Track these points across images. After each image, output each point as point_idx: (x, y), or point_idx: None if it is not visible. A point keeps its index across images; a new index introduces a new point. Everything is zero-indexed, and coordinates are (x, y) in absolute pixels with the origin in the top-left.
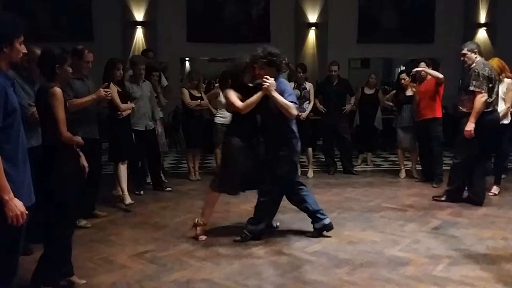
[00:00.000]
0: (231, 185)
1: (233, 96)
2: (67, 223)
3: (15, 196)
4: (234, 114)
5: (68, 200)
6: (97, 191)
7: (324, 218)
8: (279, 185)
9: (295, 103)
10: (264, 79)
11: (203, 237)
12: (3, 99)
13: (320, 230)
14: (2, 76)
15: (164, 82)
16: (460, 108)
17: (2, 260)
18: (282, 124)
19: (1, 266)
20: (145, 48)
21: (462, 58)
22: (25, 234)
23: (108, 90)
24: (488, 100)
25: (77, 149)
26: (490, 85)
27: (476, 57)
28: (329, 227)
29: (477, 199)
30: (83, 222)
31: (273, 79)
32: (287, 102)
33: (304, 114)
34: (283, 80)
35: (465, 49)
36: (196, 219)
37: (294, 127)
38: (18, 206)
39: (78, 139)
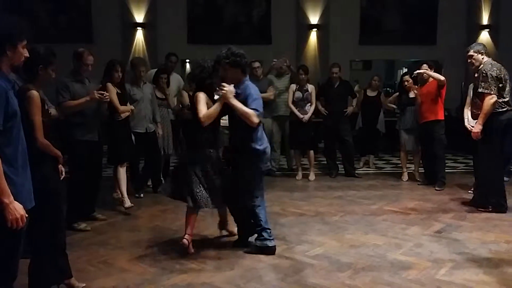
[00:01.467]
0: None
1: (202, 103)
2: (51, 227)
3: (15, 199)
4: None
5: (48, 204)
6: (97, 193)
7: (269, 240)
8: (250, 188)
9: (256, 110)
10: (221, 86)
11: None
12: (4, 103)
13: (260, 249)
14: (3, 79)
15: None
16: (475, 111)
17: (2, 263)
18: (245, 130)
19: (1, 269)
20: (146, 49)
21: (468, 60)
22: (25, 237)
23: (104, 92)
24: (499, 100)
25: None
26: (500, 85)
27: (483, 58)
28: (270, 251)
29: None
30: (82, 225)
31: (232, 85)
32: (247, 110)
33: (306, 117)
34: (250, 83)
35: (471, 50)
36: (185, 241)
37: (260, 132)
38: (18, 209)
39: (56, 152)
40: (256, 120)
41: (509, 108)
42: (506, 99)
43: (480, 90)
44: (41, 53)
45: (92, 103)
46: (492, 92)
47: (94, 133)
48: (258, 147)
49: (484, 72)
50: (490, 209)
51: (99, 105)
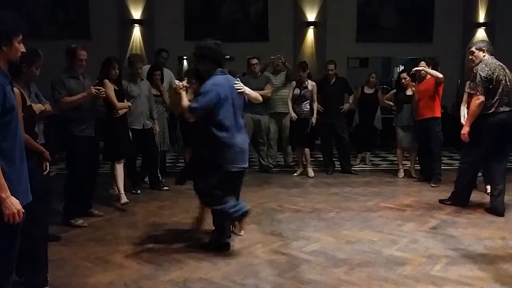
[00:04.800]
0: None
1: None
2: (34, 222)
3: (12, 194)
4: None
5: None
6: (94, 189)
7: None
8: None
9: (192, 108)
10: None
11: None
12: (2, 97)
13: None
14: (1, 74)
15: (174, 82)
16: (467, 109)
17: None
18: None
19: None
20: (143, 46)
21: (470, 57)
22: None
23: (101, 88)
24: (489, 102)
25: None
26: (490, 86)
27: (484, 56)
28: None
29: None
30: (79, 221)
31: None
32: (184, 104)
33: (313, 119)
34: (217, 76)
35: (474, 47)
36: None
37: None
38: (14, 204)
39: (38, 146)
40: (187, 115)
41: (502, 110)
42: (494, 101)
43: (466, 89)
44: (24, 51)
45: (88, 99)
46: (478, 93)
47: (91, 129)
48: None
49: (475, 71)
50: (450, 203)
51: (94, 101)
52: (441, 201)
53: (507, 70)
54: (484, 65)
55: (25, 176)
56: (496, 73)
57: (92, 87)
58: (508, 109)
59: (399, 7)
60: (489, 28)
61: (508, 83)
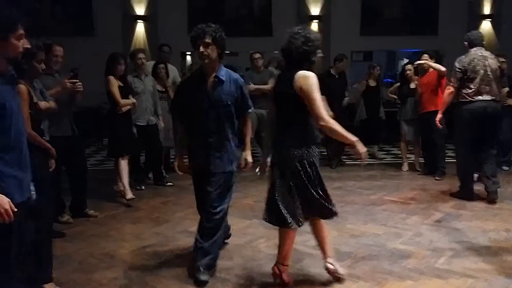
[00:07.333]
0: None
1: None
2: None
3: (2, 192)
4: None
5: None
6: (85, 189)
7: None
8: None
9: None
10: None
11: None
12: None
13: None
14: None
15: (177, 78)
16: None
17: None
18: None
19: None
20: (147, 42)
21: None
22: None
23: (77, 81)
24: (466, 91)
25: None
26: (465, 77)
27: (469, 48)
28: None
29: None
30: (65, 218)
31: None
32: None
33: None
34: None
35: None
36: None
37: None
38: (2, 204)
39: (45, 143)
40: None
41: (481, 98)
42: (471, 91)
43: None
44: (28, 47)
45: (65, 93)
46: (450, 84)
47: (65, 128)
48: None
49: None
50: (457, 196)
51: (71, 98)
52: (452, 194)
53: (490, 61)
54: (463, 56)
55: (20, 173)
56: (473, 64)
57: (66, 80)
58: (489, 98)
59: (403, 0)
60: (494, 20)
61: (489, 73)
